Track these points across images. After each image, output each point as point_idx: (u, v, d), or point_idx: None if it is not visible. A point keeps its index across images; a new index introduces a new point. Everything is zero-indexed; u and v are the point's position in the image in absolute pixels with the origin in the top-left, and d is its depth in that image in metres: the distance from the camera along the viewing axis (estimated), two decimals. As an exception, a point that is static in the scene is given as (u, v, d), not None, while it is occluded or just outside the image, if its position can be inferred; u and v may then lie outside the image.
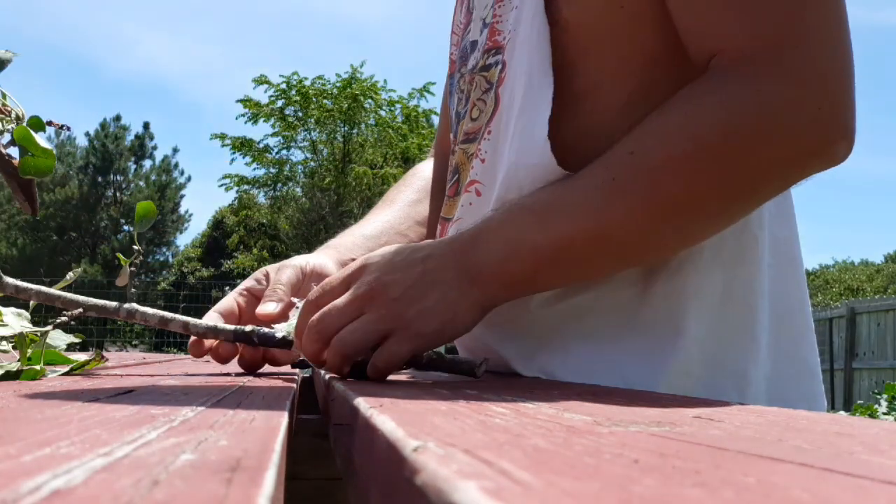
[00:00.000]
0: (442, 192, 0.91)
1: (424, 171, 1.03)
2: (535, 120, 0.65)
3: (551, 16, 0.66)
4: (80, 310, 0.70)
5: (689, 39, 0.62)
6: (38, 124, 0.66)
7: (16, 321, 0.67)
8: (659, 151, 0.58)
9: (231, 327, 0.72)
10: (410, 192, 1.00)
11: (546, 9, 0.66)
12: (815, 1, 0.57)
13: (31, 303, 0.71)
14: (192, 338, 0.76)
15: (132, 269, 0.71)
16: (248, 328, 0.71)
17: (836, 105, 0.57)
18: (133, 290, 0.72)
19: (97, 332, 11.33)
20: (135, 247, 0.72)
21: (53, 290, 0.71)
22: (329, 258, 0.87)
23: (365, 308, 0.57)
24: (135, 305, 0.72)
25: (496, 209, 0.64)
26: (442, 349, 0.71)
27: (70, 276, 0.73)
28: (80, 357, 0.69)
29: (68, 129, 0.70)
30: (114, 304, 0.72)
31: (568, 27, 0.66)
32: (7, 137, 0.64)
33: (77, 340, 0.76)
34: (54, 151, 0.65)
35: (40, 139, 0.65)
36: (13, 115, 0.65)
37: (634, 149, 0.58)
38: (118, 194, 23.96)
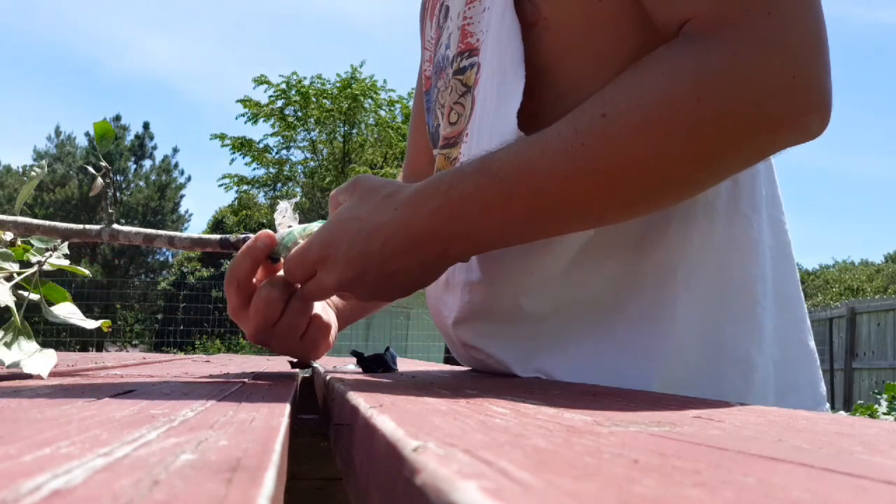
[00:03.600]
0: None
1: None
2: (508, 114, 0.65)
3: (531, 15, 0.66)
4: (59, 240, 0.69)
5: (658, 8, 0.60)
6: None
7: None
8: (632, 115, 0.55)
9: (217, 237, 0.71)
10: None
11: (524, 9, 0.66)
12: None
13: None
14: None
15: (106, 181, 0.70)
16: (233, 237, 0.71)
17: (810, 75, 0.55)
18: (111, 210, 0.71)
19: (97, 332, 11.31)
20: (102, 163, 0.71)
21: (33, 220, 0.69)
22: None
23: (336, 295, 0.66)
24: (116, 226, 0.71)
25: (456, 173, 0.61)
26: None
27: (35, 171, 0.72)
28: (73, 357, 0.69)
29: None
30: (96, 227, 0.71)
31: (549, 26, 0.66)
32: None
33: (98, 323, 0.74)
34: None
35: None
36: None
37: (606, 111, 0.56)
38: (118, 194, 23.95)
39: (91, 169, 0.72)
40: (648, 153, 0.55)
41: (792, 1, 0.56)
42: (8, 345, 0.58)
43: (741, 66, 0.55)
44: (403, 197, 0.62)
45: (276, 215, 0.71)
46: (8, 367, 0.57)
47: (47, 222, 0.70)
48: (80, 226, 0.71)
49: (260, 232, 0.69)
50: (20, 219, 0.69)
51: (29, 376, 0.57)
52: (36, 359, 0.57)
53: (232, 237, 0.71)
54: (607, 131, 0.56)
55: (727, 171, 0.60)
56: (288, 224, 0.71)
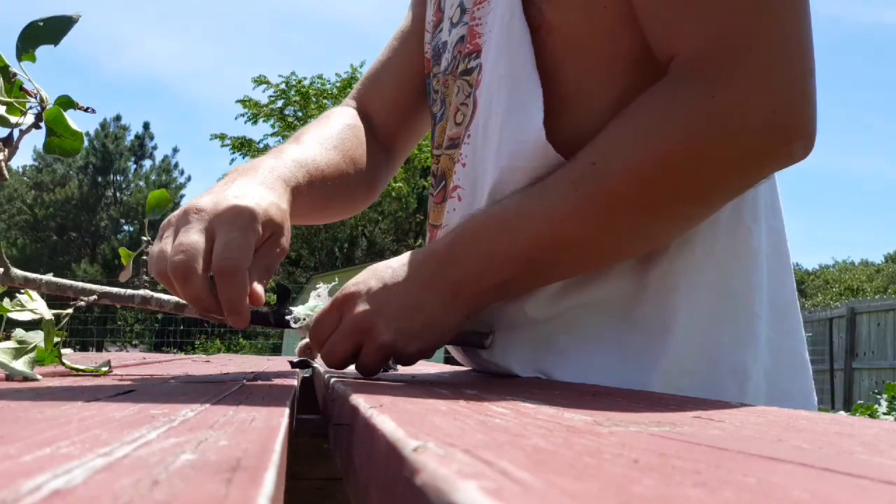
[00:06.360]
0: (350, 147, 0.83)
1: (338, 120, 0.88)
2: (527, 123, 0.65)
3: (535, 19, 0.66)
4: (95, 297, 0.69)
5: (653, 42, 0.62)
6: (67, 103, 0.67)
7: (43, 305, 0.66)
8: (619, 162, 0.59)
9: (249, 308, 0.71)
10: (330, 138, 0.83)
11: (528, 13, 0.66)
12: (771, 4, 0.58)
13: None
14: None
15: (144, 258, 0.71)
16: (265, 309, 0.70)
17: (792, 107, 0.57)
18: (146, 278, 0.71)
19: (97, 333, 11.32)
20: (144, 238, 0.72)
21: (63, 280, 0.69)
22: (275, 196, 0.67)
23: (360, 340, 0.63)
24: (149, 292, 0.71)
25: (469, 217, 0.67)
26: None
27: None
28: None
29: (93, 111, 0.70)
30: (128, 291, 0.71)
31: (552, 30, 0.66)
32: (31, 119, 0.64)
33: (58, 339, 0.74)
34: (83, 133, 0.66)
35: (71, 121, 0.66)
36: (38, 97, 0.65)
37: (596, 159, 0.60)
38: (118, 194, 23.96)
39: (123, 250, 0.73)
40: (636, 195, 0.59)
41: (776, 35, 0.57)
42: (12, 359, 0.58)
43: (721, 106, 0.57)
44: (426, 245, 0.67)
45: (311, 293, 0.71)
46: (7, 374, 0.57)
47: (79, 283, 0.70)
48: (115, 289, 0.71)
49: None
50: (52, 279, 0.70)
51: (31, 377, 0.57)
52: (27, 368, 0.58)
53: (263, 309, 0.68)
54: (597, 177, 0.59)
55: (718, 204, 0.63)
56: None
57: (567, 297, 0.69)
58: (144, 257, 0.71)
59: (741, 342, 0.67)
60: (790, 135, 0.57)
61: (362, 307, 0.63)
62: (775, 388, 0.69)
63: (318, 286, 0.71)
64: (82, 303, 0.67)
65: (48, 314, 0.63)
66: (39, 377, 0.57)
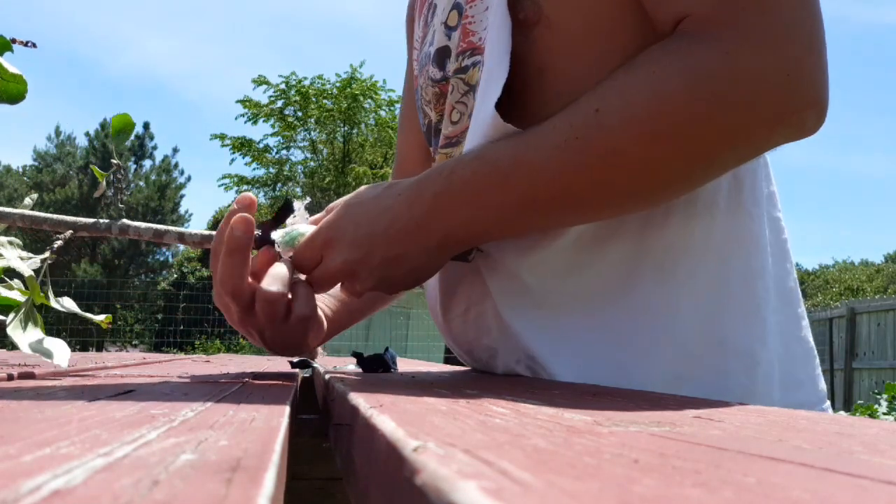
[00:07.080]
0: None
1: None
2: (489, 110, 0.64)
3: (533, 15, 0.66)
4: (71, 231, 0.68)
5: (657, 5, 0.61)
6: (3, 45, 0.64)
7: (11, 252, 0.62)
8: (623, 111, 0.57)
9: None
10: None
11: (526, 8, 0.66)
12: None
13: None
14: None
15: (117, 185, 0.70)
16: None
17: (804, 73, 0.56)
18: (121, 205, 0.71)
19: (97, 332, 11.31)
20: (113, 160, 0.71)
21: (39, 213, 0.67)
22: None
23: (342, 280, 0.66)
24: (126, 221, 0.70)
25: (459, 159, 0.63)
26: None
27: (28, 201, 0.71)
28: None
29: (34, 45, 0.67)
30: (105, 221, 0.70)
31: (550, 24, 0.65)
32: None
33: (102, 317, 0.73)
34: (24, 76, 0.63)
35: (8, 64, 0.63)
36: None
37: (599, 106, 0.58)
38: (119, 195, 23.92)
39: (94, 168, 0.72)
40: (639, 149, 0.57)
41: (789, 1, 0.56)
42: (24, 330, 0.57)
43: (732, 65, 0.55)
44: (406, 184, 0.65)
45: (287, 220, 0.71)
46: (32, 351, 0.57)
47: (56, 216, 0.68)
48: (91, 220, 0.70)
49: (234, 218, 0.62)
50: (27, 212, 0.68)
51: (31, 377, 0.57)
52: (52, 347, 0.57)
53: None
54: (600, 126, 0.57)
55: (721, 168, 0.61)
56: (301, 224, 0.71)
57: (564, 283, 0.69)
58: (118, 184, 0.71)
59: (747, 327, 0.67)
60: (802, 101, 0.56)
61: (343, 257, 0.64)
62: (788, 376, 0.68)
63: (294, 204, 0.71)
64: (60, 241, 0.66)
65: (24, 268, 0.61)
66: (63, 359, 0.56)
